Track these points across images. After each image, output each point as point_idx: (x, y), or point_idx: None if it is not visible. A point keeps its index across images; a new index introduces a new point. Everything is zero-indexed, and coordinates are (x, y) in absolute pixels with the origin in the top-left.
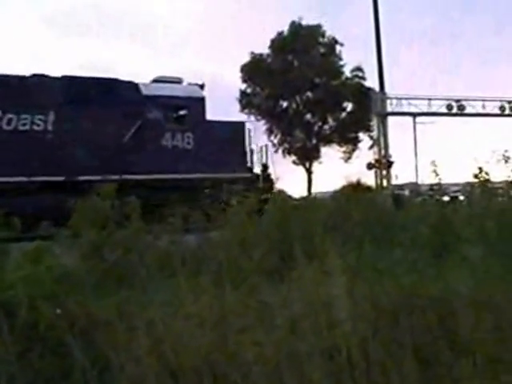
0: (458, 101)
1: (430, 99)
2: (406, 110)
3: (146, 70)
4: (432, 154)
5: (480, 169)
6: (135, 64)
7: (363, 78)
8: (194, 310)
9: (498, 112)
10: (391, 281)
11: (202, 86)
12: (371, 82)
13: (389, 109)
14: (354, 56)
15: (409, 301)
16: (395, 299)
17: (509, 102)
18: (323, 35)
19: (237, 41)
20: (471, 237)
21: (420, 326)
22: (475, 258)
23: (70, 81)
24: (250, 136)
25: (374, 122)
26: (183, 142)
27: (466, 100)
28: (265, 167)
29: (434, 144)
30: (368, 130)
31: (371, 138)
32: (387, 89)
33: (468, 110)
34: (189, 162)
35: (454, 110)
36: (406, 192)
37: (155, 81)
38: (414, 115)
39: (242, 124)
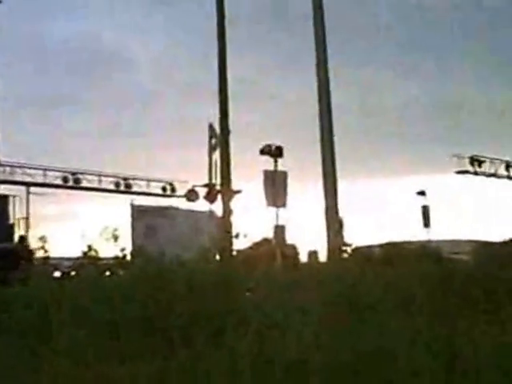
0: (74, 173)
1: (45, 169)
2: (19, 179)
3: None
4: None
5: (89, 246)
6: None
7: None
8: None
9: (114, 188)
10: None
11: None
12: None
13: (1, 177)
14: None
15: None
16: None
17: (124, 179)
18: None
19: None
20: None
21: None
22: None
23: None
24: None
25: None
26: None
27: (82, 173)
28: (22, 238)
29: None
30: None
31: None
32: (1, 155)
33: (84, 184)
34: None
35: (70, 183)
36: None
37: None
38: (28, 185)
39: (6, 197)
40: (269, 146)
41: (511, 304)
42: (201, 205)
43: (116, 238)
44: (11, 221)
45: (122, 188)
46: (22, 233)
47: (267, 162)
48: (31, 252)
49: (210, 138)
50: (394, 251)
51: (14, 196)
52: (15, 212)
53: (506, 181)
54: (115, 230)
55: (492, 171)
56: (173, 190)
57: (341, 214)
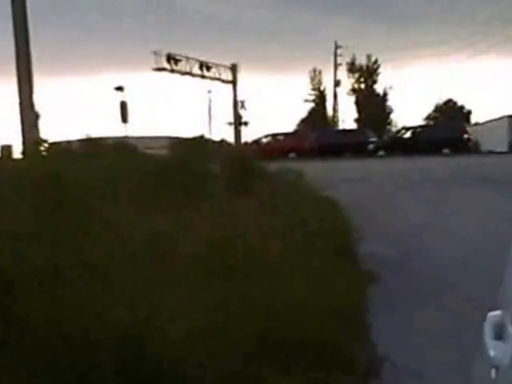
0: None
1: None
2: None
3: None
4: None
5: None
6: None
7: None
8: None
9: None
10: None
11: None
12: None
13: None
14: None
15: None
16: None
17: None
18: None
19: None
20: None
21: None
22: None
23: None
24: None
25: None
26: None
27: None
28: None
29: None
30: None
31: None
32: None
33: None
34: None
35: None
36: None
37: None
38: None
39: None
40: None
41: (201, 194)
42: None
43: None
44: None
45: None
46: None
47: None
48: None
49: None
50: (92, 146)
51: None
52: None
53: (199, 79)
54: None
55: (187, 70)
56: None
57: (38, 109)
